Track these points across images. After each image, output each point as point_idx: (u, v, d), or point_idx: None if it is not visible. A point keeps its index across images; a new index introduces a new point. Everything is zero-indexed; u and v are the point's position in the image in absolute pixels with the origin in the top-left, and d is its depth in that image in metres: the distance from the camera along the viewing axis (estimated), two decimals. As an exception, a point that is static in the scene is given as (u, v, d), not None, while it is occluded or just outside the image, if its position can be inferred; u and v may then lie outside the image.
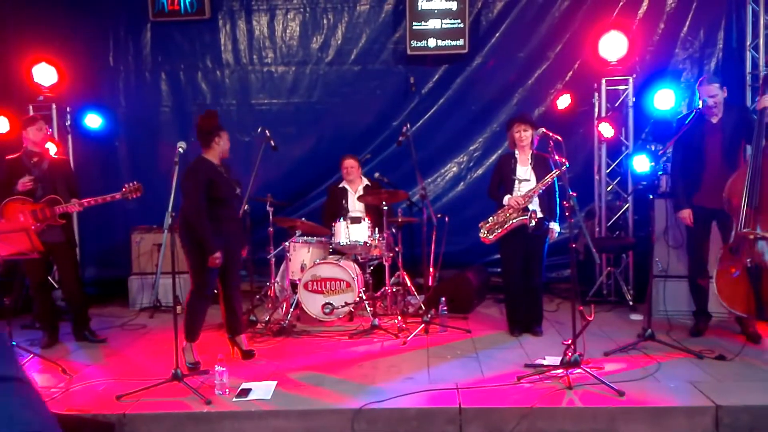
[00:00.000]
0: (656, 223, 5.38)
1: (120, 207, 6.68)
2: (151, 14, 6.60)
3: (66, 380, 4.11)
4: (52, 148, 5.81)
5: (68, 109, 6.49)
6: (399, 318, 5.15)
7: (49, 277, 5.48)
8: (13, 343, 4.22)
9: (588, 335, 3.99)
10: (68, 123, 6.50)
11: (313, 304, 5.27)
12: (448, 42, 6.41)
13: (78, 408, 3.63)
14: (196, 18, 6.61)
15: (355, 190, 5.85)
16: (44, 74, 6.21)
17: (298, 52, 6.69)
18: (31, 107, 6.28)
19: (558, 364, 3.94)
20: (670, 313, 5.10)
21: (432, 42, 6.40)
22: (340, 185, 5.94)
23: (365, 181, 5.90)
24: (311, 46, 6.66)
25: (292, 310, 5.29)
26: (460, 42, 6.39)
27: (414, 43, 6.40)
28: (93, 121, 6.55)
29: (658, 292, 5.18)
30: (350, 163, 5.87)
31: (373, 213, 5.59)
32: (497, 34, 6.55)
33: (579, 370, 3.82)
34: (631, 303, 5.80)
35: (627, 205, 6.18)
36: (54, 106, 6.38)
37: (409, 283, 5.62)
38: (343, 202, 5.80)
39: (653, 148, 6.17)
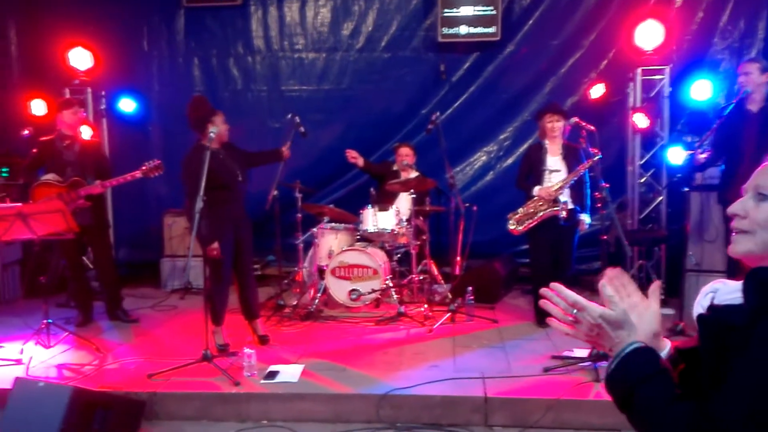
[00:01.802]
0: (691, 216, 5.28)
1: (153, 191, 6.81)
2: (184, 0, 6.65)
3: (99, 358, 4.23)
4: (87, 132, 5.93)
5: (103, 93, 6.58)
6: (425, 306, 5.16)
7: (84, 258, 5.61)
8: (49, 321, 4.34)
9: (617, 328, 3.94)
10: (103, 107, 6.60)
11: (339, 290, 5.31)
12: (479, 29, 6.32)
13: (110, 385, 3.72)
14: (229, 4, 6.65)
15: (406, 177, 5.81)
16: (80, 58, 6.29)
17: (328, 38, 6.68)
18: (67, 91, 6.39)
19: (586, 356, 3.91)
20: (702, 308, 5.00)
21: (463, 29, 6.33)
22: (394, 168, 5.93)
23: (415, 172, 5.86)
24: (342, 32, 6.64)
25: (319, 295, 5.33)
26: (493, 29, 6.31)
27: (445, 30, 6.34)
28: (127, 105, 6.64)
29: (690, 287, 5.09)
30: (406, 151, 5.85)
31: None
32: (530, 22, 6.44)
33: (607, 363, 3.77)
34: (662, 297, 5.69)
35: (660, 197, 6.06)
36: (89, 90, 6.48)
37: (435, 272, 5.62)
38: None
39: (689, 139, 6.03)
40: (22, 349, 4.16)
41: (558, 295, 1.26)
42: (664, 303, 5.58)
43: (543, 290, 1.28)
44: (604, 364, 3.79)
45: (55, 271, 5.75)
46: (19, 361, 4.04)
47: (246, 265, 4.46)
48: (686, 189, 5.44)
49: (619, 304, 1.21)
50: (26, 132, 4.88)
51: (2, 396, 3.19)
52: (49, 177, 4.76)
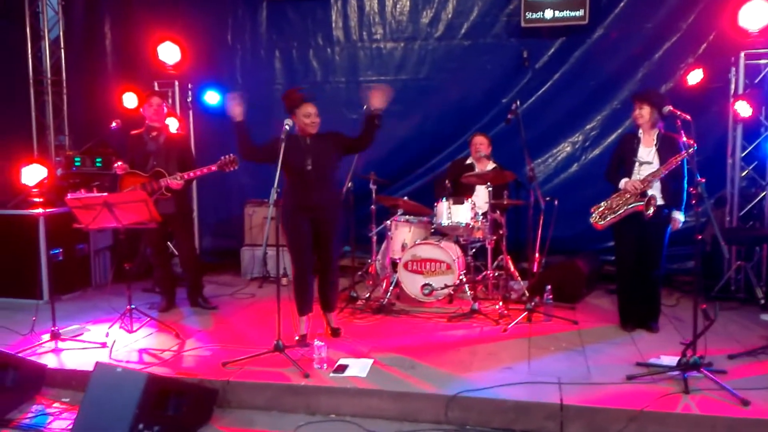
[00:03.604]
0: (799, 214, 4.80)
1: (235, 181, 6.96)
2: (267, -8, 6.74)
3: (178, 344, 4.37)
4: (173, 124, 6.14)
5: (189, 86, 6.80)
6: (500, 304, 4.99)
7: (170, 244, 5.83)
8: (132, 307, 4.53)
9: (710, 335, 3.65)
10: (189, 99, 6.82)
11: (412, 284, 5.22)
12: (566, 13, 6.01)
13: (186, 372, 3.83)
14: (310, -5, 6.68)
15: (482, 169, 5.67)
16: (168, 53, 6.51)
17: (407, 27, 6.57)
18: (156, 84, 6.65)
19: (674, 365, 3.62)
20: (810, 316, 4.55)
21: (548, 13, 6.04)
22: (468, 161, 5.78)
23: (492, 164, 5.69)
24: (421, 20, 6.52)
25: (391, 288, 5.28)
26: (580, 12, 5.97)
27: (529, 15, 6.07)
28: (212, 97, 6.80)
29: (796, 292, 4.64)
30: (480, 140, 5.70)
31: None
32: (621, 4, 6.05)
33: (698, 374, 3.50)
34: (762, 302, 5.24)
35: (764, 193, 5.56)
36: (176, 83, 6.72)
37: (512, 268, 5.42)
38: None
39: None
40: (107, 333, 4.37)
41: None
42: (764, 309, 5.13)
43: None
44: (694, 374, 3.51)
45: (143, 257, 6.01)
46: (104, 344, 4.25)
47: (326, 255, 4.39)
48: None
49: None
50: (114, 124, 5.11)
51: (84, 378, 3.34)
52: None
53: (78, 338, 4.44)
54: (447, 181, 5.44)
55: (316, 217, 4.26)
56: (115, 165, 5.01)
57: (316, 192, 4.23)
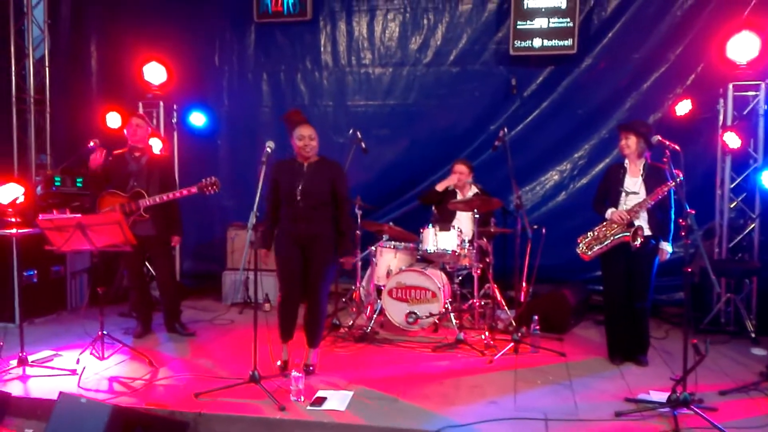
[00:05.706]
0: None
1: (218, 203, 6.87)
2: (255, 15, 6.72)
3: (151, 372, 4.19)
4: (157, 145, 6.03)
5: (175, 106, 6.71)
6: (486, 334, 4.87)
7: (149, 266, 5.66)
8: (105, 333, 4.35)
9: (701, 369, 3.54)
10: (174, 120, 6.72)
11: (396, 312, 5.09)
12: (554, 42, 6.03)
13: (157, 402, 3.66)
14: (298, 19, 6.66)
15: (464, 195, 5.59)
16: (154, 73, 6.43)
17: (396, 53, 6.56)
18: (140, 104, 6.56)
19: (664, 401, 3.51)
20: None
21: (537, 42, 6.04)
22: (451, 187, 5.72)
23: (475, 189, 5.62)
24: (410, 47, 6.51)
25: (375, 316, 5.15)
26: (569, 42, 5.99)
27: (518, 43, 6.08)
28: (197, 119, 6.75)
29: (787, 326, 4.56)
30: (461, 169, 5.62)
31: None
32: (610, 34, 6.09)
33: (688, 411, 3.38)
34: (753, 335, 5.15)
35: (753, 224, 5.52)
36: (161, 103, 6.62)
37: (499, 297, 5.31)
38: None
39: (788, 161, 5.47)
40: (78, 359, 4.19)
41: None
42: (755, 342, 5.04)
43: None
44: (684, 410, 3.39)
45: (120, 281, 5.84)
46: (73, 372, 4.06)
47: (312, 290, 4.11)
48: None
49: None
50: (92, 144, 4.97)
51: (50, 407, 3.18)
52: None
53: (47, 365, 4.26)
54: (433, 207, 5.35)
55: (306, 248, 4.08)
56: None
57: (305, 222, 4.03)
